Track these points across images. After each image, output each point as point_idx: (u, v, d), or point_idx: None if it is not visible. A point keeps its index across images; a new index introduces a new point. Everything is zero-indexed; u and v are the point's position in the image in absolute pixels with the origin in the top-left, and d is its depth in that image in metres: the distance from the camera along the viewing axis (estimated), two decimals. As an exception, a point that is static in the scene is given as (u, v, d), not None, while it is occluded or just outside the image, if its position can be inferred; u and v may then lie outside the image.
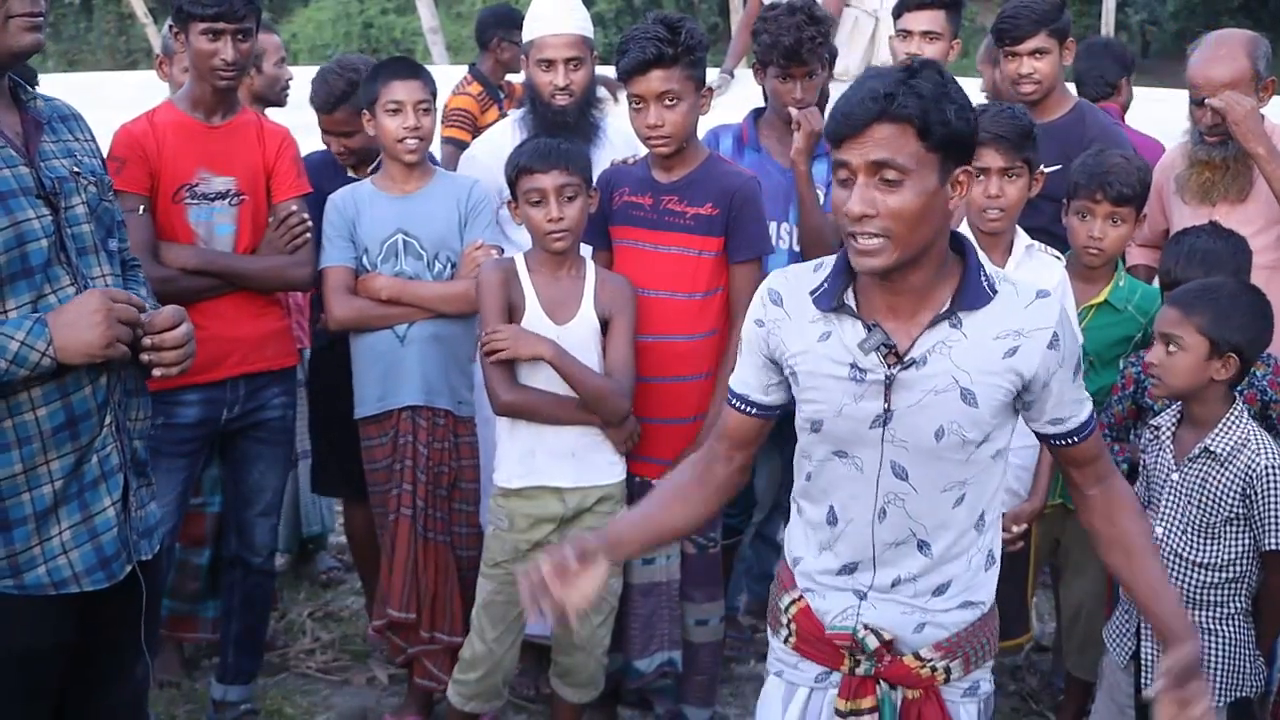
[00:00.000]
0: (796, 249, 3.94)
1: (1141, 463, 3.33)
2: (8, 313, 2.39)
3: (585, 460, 3.47)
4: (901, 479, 2.25)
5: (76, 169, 2.54)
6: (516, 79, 5.86)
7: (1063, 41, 4.11)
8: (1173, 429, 3.20)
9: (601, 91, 4.21)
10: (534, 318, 3.42)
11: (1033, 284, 2.28)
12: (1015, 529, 3.40)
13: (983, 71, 5.24)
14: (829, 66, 4.00)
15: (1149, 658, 3.15)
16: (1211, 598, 3.10)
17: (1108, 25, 15.25)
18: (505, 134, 4.07)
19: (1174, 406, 3.24)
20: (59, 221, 2.46)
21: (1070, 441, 2.30)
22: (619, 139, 3.91)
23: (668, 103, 3.41)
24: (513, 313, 3.43)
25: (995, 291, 2.20)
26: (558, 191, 3.35)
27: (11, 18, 2.40)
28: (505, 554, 3.49)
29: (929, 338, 2.19)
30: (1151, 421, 3.30)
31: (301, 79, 4.45)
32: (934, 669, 2.28)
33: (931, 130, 2.06)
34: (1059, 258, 3.49)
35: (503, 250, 3.75)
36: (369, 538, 4.20)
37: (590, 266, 3.52)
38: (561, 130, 3.87)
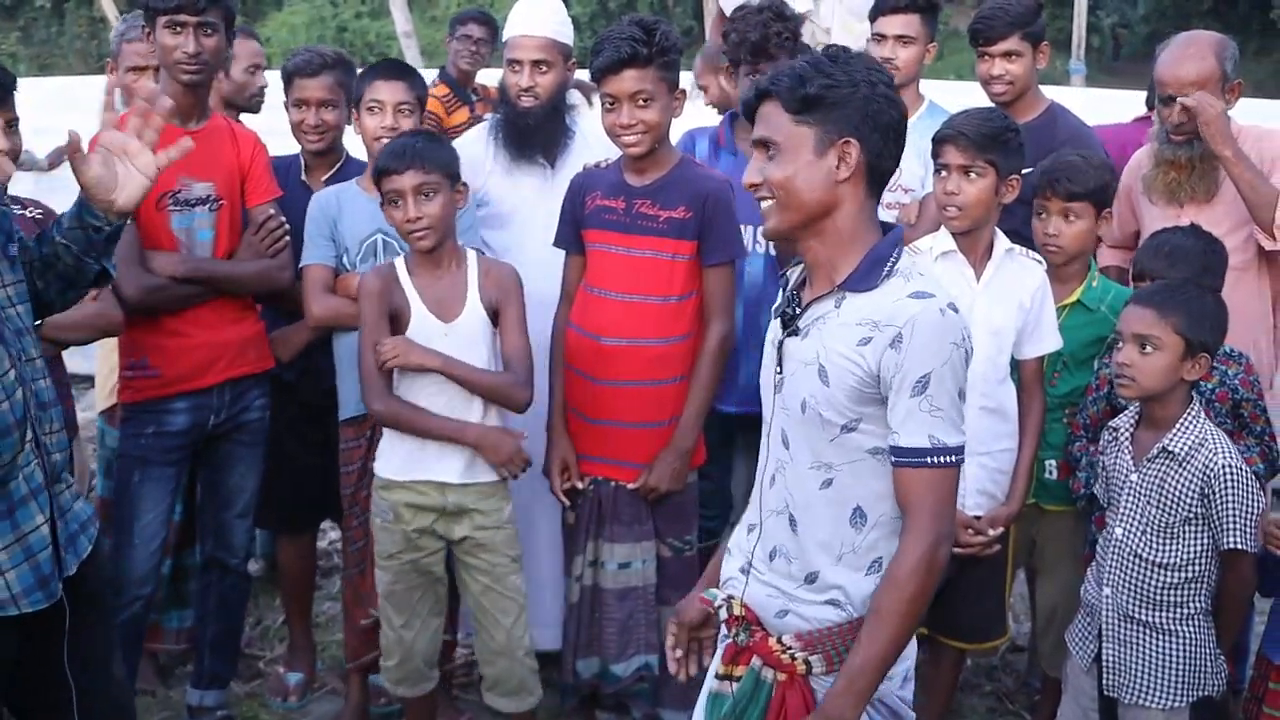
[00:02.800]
0: (773, 253, 3.94)
1: (1100, 463, 3.35)
2: None
3: (470, 456, 3.45)
4: (784, 446, 2.38)
5: None
6: (491, 82, 5.85)
7: (1036, 45, 4.15)
8: (1131, 430, 3.23)
9: (574, 96, 4.21)
10: (420, 318, 3.43)
11: (932, 286, 2.26)
12: (992, 532, 3.41)
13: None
14: None
15: (1110, 660, 3.17)
16: (1171, 598, 3.12)
17: (1079, 28, 15.35)
18: (478, 138, 4.09)
19: (1133, 407, 3.26)
20: None
21: (891, 459, 2.27)
22: (596, 143, 3.91)
23: (641, 102, 3.41)
24: (399, 317, 3.43)
25: (887, 279, 2.26)
26: (415, 190, 3.34)
27: None
28: (396, 545, 3.51)
29: (814, 311, 2.33)
30: (1110, 423, 3.32)
31: (275, 83, 4.43)
32: (793, 657, 2.34)
33: (794, 102, 2.25)
34: (1040, 261, 3.50)
35: (482, 253, 3.74)
36: (304, 574, 4.27)
37: (472, 259, 3.52)
38: (527, 132, 3.90)
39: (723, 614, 2.47)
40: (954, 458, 2.24)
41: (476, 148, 4.01)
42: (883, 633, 2.24)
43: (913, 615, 2.26)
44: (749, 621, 2.42)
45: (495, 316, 3.48)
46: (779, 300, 2.46)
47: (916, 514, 2.25)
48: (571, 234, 3.64)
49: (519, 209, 3.97)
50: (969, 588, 3.50)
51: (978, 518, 3.44)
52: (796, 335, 2.34)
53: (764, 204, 2.32)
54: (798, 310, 2.36)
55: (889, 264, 2.27)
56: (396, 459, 3.49)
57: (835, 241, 2.30)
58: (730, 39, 3.98)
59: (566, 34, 4.01)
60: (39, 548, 2.44)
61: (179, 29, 3.48)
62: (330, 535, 5.15)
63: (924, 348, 2.20)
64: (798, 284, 2.42)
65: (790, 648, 2.34)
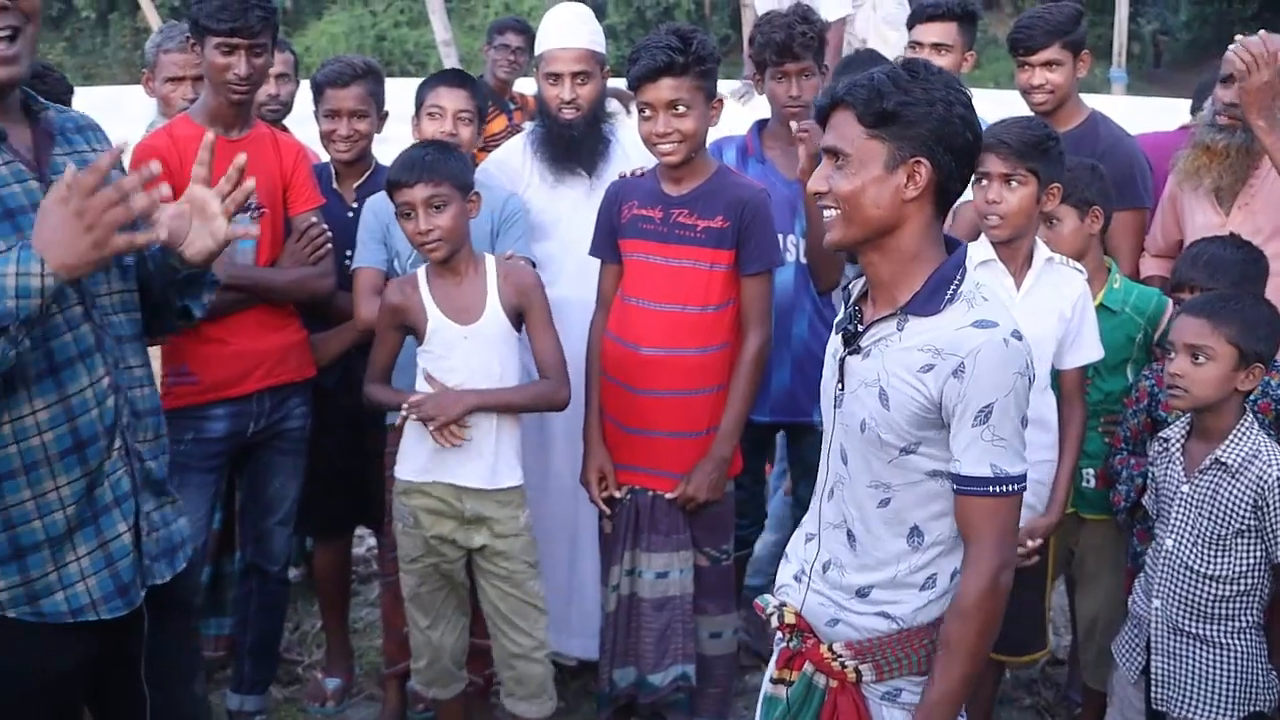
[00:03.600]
0: (803, 261, 3.94)
1: (1150, 475, 3.32)
2: None
3: (493, 463, 3.49)
4: (843, 462, 2.38)
5: None
6: (529, 91, 5.87)
7: (1077, 53, 4.10)
8: (1182, 441, 3.20)
9: (613, 104, 4.23)
10: (438, 324, 3.47)
11: (996, 312, 2.26)
12: (1031, 543, 3.38)
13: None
14: (825, 72, 4.02)
15: (1160, 673, 3.14)
16: (1223, 611, 3.09)
17: (1120, 35, 15.24)
18: (516, 149, 4.11)
19: (1184, 418, 3.22)
20: None
21: (953, 487, 2.28)
22: (635, 151, 3.92)
23: (677, 111, 3.42)
24: (417, 325, 3.49)
25: (950, 303, 2.25)
26: (425, 203, 3.38)
27: None
28: (418, 549, 3.56)
29: (877, 331, 2.32)
30: (1161, 434, 3.29)
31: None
32: (844, 665, 2.36)
33: (869, 115, 2.22)
34: (1080, 270, 3.47)
35: (534, 262, 3.77)
36: (340, 580, 4.29)
37: (490, 264, 3.54)
38: (569, 144, 3.92)
39: (774, 621, 2.49)
40: (1015, 486, 2.25)
41: (514, 160, 4.04)
42: (956, 668, 2.27)
43: (983, 646, 2.28)
44: (801, 629, 2.45)
45: (517, 320, 3.52)
46: (840, 314, 2.45)
47: (978, 543, 2.26)
48: (607, 243, 3.65)
49: (560, 219, 3.99)
50: (1008, 600, 3.46)
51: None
52: (858, 354, 2.34)
53: (827, 214, 2.30)
54: (859, 328, 2.35)
55: (952, 286, 2.26)
56: (417, 461, 3.52)
57: (898, 259, 2.29)
58: (756, 41, 4.03)
59: (600, 43, 4.03)
60: (120, 555, 2.45)
61: (231, 50, 3.50)
62: (368, 542, 5.18)
63: (987, 378, 2.20)
64: (859, 297, 2.41)
65: (840, 656, 2.37)
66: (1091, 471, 3.64)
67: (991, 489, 2.23)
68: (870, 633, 2.35)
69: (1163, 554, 3.18)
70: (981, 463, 2.22)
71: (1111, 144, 4.05)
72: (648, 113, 3.46)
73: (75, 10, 25.65)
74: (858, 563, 2.37)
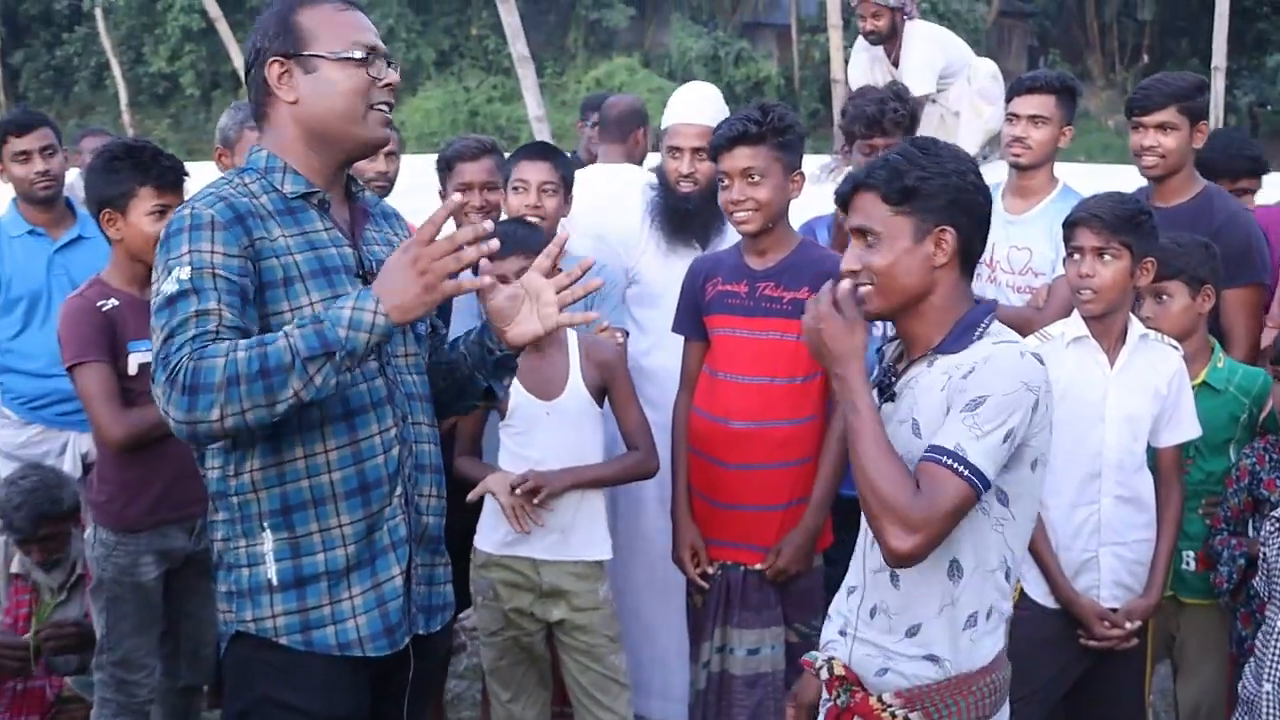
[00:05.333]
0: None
1: (1262, 555, 3.23)
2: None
3: (570, 537, 3.52)
4: None
5: None
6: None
7: (1194, 122, 3.98)
8: (1294, 520, 3.11)
9: None
10: (521, 399, 3.50)
11: (1015, 338, 2.40)
12: (1129, 625, 3.30)
13: None
14: None
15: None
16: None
17: (1216, 106, 15.06)
18: (636, 216, 4.22)
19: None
20: None
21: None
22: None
23: (752, 179, 3.44)
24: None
25: (977, 341, 2.36)
26: (517, 276, 3.39)
27: (373, 107, 2.48)
28: (497, 622, 3.58)
29: (908, 375, 2.44)
30: (1274, 514, 3.20)
31: (409, 167, 4.55)
32: (894, 715, 2.39)
33: (893, 193, 2.36)
34: (1176, 347, 3.41)
35: (627, 334, 3.80)
36: None
37: (572, 339, 3.57)
38: (685, 216, 4.05)
39: (823, 674, 2.51)
40: (967, 472, 2.23)
41: (633, 226, 4.11)
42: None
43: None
44: (849, 682, 2.47)
45: (599, 395, 3.55)
46: (876, 372, 2.53)
47: (926, 493, 2.26)
48: (691, 320, 3.67)
49: (669, 289, 4.02)
50: (1106, 683, 3.38)
51: (1114, 610, 3.33)
52: (892, 400, 2.45)
53: (863, 289, 2.42)
54: (894, 379, 2.46)
55: (980, 328, 2.39)
56: (496, 535, 3.54)
57: (932, 319, 2.42)
58: (848, 113, 4.10)
59: None
60: (391, 597, 2.53)
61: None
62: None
63: (991, 375, 2.29)
64: (894, 358, 2.52)
65: (890, 705, 2.39)
66: (1191, 554, 3.55)
67: (944, 459, 2.25)
68: (919, 680, 2.39)
69: (1274, 635, 3.08)
70: (949, 438, 2.26)
71: (1227, 219, 3.94)
72: (726, 182, 3.50)
73: (180, 88, 26.50)
74: (904, 601, 2.41)
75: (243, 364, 2.20)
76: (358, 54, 2.44)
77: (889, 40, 6.37)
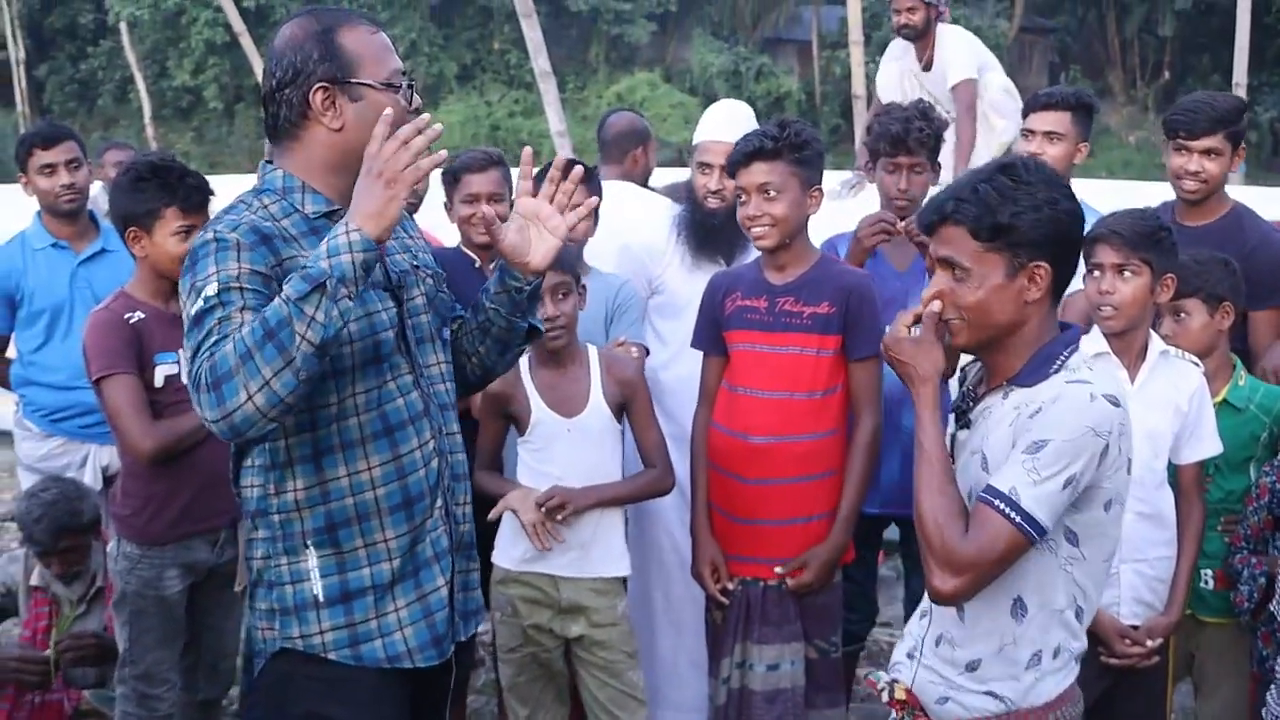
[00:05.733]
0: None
1: (1279, 576, 3.20)
2: (356, 397, 2.47)
3: (590, 552, 3.53)
4: None
5: (415, 263, 2.66)
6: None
7: (1236, 147, 3.96)
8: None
9: None
10: (541, 415, 3.51)
11: (1093, 378, 2.29)
12: (1150, 643, 3.28)
13: None
14: (936, 170, 4.03)
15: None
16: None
17: (1238, 124, 14.99)
18: (662, 228, 4.26)
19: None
20: (401, 313, 2.57)
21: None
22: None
23: (768, 195, 3.45)
24: (519, 416, 3.52)
25: (1055, 373, 2.30)
26: (553, 291, 3.44)
27: None
28: (516, 639, 3.58)
29: (984, 404, 2.39)
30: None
31: (431, 180, 4.55)
32: None
33: (983, 231, 2.27)
34: (1196, 363, 3.40)
35: (647, 350, 3.81)
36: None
37: (594, 355, 3.59)
38: (710, 231, 4.11)
39: (885, 696, 2.51)
40: (1019, 518, 2.20)
41: (659, 237, 4.16)
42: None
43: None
44: (912, 706, 2.47)
45: (619, 412, 3.58)
46: (955, 395, 2.51)
47: (975, 532, 2.24)
48: (710, 335, 3.68)
49: (692, 302, 4.03)
50: (1127, 701, 3.36)
51: (1135, 628, 3.32)
52: (968, 428, 2.42)
53: (952, 323, 2.36)
54: (973, 404, 2.42)
55: (1058, 361, 2.32)
56: (515, 551, 3.55)
57: (1014, 350, 2.36)
58: (873, 130, 4.10)
59: None
60: (437, 608, 2.57)
61: None
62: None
63: (1057, 418, 2.23)
64: (975, 381, 2.48)
65: None
66: (1210, 572, 3.53)
67: (997, 503, 2.22)
68: (979, 712, 2.37)
69: (1293, 657, 3.06)
70: (1006, 480, 2.23)
71: (1260, 241, 3.91)
72: (743, 197, 3.52)
73: (203, 101, 26.64)
74: (966, 635, 2.40)
75: (249, 337, 2.20)
76: (397, 82, 2.47)
77: (922, 37, 6.37)
